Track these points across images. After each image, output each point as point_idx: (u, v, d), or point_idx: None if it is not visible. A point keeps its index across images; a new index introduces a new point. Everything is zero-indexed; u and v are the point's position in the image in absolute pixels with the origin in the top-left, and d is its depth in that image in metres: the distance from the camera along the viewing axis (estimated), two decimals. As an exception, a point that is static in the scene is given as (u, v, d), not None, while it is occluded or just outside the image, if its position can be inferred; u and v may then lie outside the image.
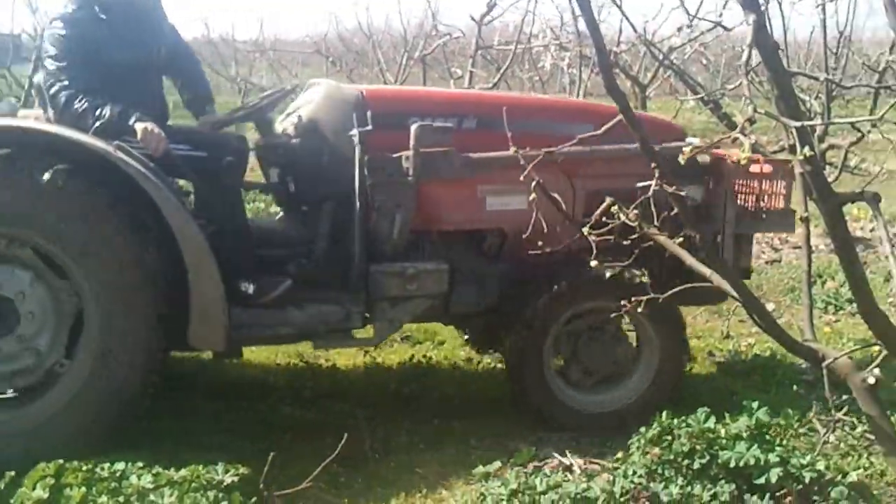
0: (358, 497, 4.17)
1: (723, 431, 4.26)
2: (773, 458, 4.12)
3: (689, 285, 3.47)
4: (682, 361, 5.02)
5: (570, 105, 6.27)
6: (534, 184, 3.20)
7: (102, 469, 3.86)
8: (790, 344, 3.32)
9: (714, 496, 4.02)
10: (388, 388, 5.46)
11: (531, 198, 3.86)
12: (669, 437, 4.27)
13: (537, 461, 4.40)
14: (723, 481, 4.07)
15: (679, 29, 5.26)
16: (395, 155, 4.54)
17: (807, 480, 4.11)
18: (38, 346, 4.25)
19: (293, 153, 4.73)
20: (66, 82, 4.45)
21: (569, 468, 4.39)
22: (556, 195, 4.05)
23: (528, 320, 4.72)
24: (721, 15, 5.18)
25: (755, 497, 4.02)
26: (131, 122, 4.38)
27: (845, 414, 3.40)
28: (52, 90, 4.47)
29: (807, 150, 2.37)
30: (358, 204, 4.54)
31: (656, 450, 4.21)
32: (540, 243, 4.07)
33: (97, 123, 4.32)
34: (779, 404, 4.70)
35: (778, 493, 4.10)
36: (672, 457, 4.18)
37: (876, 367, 3.14)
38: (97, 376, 4.20)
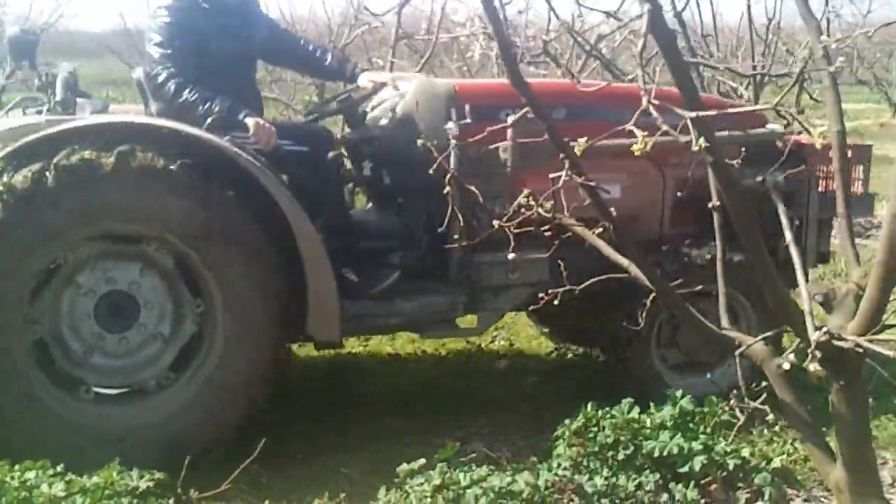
0: (280, 499, 4.08)
1: (648, 421, 4.28)
2: (696, 446, 4.13)
3: (606, 276, 3.43)
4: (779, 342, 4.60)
5: (662, 93, 6.23)
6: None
7: (13, 478, 3.73)
8: (708, 332, 3.30)
9: (639, 486, 4.02)
10: (314, 388, 5.39)
11: (623, 185, 4.26)
12: (595, 429, 4.27)
13: (463, 456, 4.35)
14: (647, 471, 4.07)
15: (608, 15, 5.19)
16: (492, 146, 4.55)
17: (731, 467, 4.14)
18: (163, 332, 4.36)
19: (388, 146, 4.80)
20: (172, 70, 4.48)
21: (496, 462, 4.35)
22: (646, 183, 4.48)
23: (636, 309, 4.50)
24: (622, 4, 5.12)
25: (680, 486, 4.03)
26: (241, 116, 4.42)
27: (762, 402, 3.40)
28: (160, 79, 4.48)
29: (702, 141, 2.34)
30: (458, 196, 4.39)
31: (581, 442, 4.22)
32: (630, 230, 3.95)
33: (209, 118, 4.35)
34: (706, 392, 4.74)
35: (703, 481, 4.13)
36: (597, 448, 4.17)
37: (791, 353, 3.12)
38: (225, 367, 4.31)
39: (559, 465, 4.04)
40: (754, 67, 8.68)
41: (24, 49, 4.91)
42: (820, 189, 5.27)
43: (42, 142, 4.05)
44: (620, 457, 4.12)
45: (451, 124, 4.56)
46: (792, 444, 4.55)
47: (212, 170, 4.20)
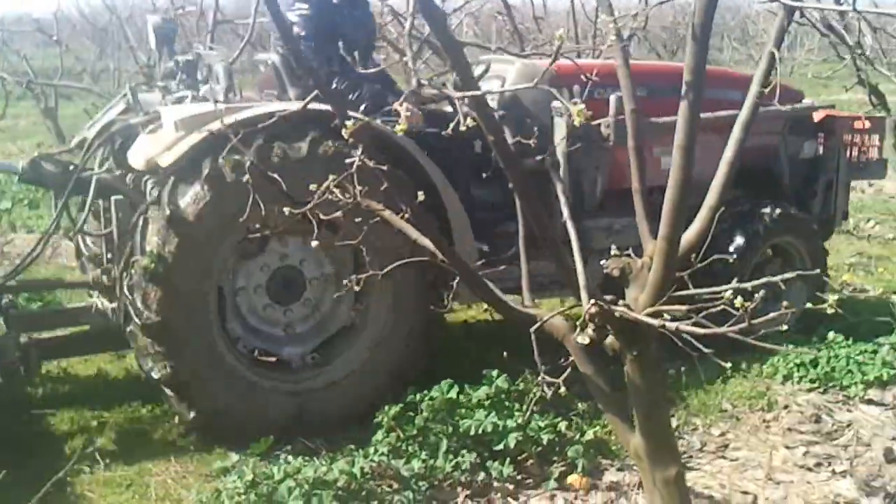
0: (90, 504, 3.92)
1: (465, 401, 4.32)
2: (511, 423, 4.20)
3: (412, 259, 3.41)
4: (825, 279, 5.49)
5: (718, 73, 6.66)
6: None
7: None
8: (507, 310, 3.33)
9: (456, 466, 4.06)
10: (124, 391, 5.16)
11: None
12: (413, 413, 4.28)
13: (278, 449, 4.27)
14: (465, 451, 4.12)
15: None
16: (594, 123, 4.96)
17: (545, 442, 4.23)
18: (323, 307, 4.86)
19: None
20: (314, 59, 4.76)
21: (314, 452, 4.29)
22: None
23: (738, 257, 5.29)
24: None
25: (496, 463, 4.09)
26: (389, 101, 4.67)
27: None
28: (304, 66, 4.49)
29: (469, 121, 2.35)
30: (568, 168, 5.04)
31: (400, 426, 4.21)
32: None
33: (363, 105, 4.64)
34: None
35: (519, 457, 4.20)
36: (415, 431, 4.18)
37: (590, 327, 3.17)
38: (387, 333, 4.78)
39: (376, 451, 4.02)
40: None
41: (166, 37, 5.30)
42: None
43: (236, 128, 4.06)
44: (439, 438, 4.15)
45: (556, 103, 4.88)
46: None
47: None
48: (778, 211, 5.71)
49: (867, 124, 6.20)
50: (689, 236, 3.22)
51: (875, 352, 5.33)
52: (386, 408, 4.26)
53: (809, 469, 4.24)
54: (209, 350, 4.50)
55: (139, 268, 4.37)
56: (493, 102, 5.12)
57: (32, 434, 4.67)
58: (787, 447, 4.45)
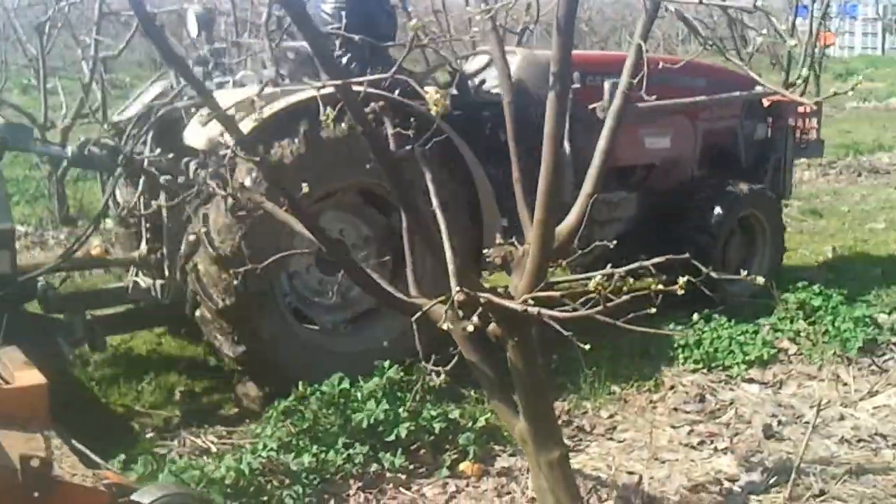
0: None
1: (357, 394, 4.32)
2: (403, 413, 4.22)
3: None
4: (782, 251, 6.72)
5: (688, 64, 7.16)
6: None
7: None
8: (392, 300, 3.35)
9: (348, 458, 4.06)
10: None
11: (671, 136, 6.01)
12: (304, 406, 4.26)
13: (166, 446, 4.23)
14: (357, 443, 4.12)
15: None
16: (590, 107, 5.46)
17: (437, 431, 4.26)
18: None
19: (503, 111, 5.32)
20: (346, 48, 5.04)
21: (205, 450, 4.25)
22: (686, 134, 6.15)
23: (712, 227, 6.10)
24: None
25: (388, 454, 4.10)
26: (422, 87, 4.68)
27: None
28: (336, 54, 4.97)
29: (328, 112, 2.35)
30: (570, 148, 5.43)
31: (291, 421, 4.20)
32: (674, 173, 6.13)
33: (397, 89, 4.53)
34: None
35: (412, 447, 4.22)
36: (306, 425, 4.17)
37: (476, 316, 3.21)
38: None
39: (265, 446, 3.99)
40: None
41: (205, 24, 5.56)
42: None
43: (298, 107, 4.62)
44: (330, 431, 4.15)
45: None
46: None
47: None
48: (747, 186, 6.34)
49: (809, 109, 6.93)
50: (568, 223, 3.29)
51: (756, 332, 5.54)
52: (276, 402, 4.24)
53: (693, 447, 4.36)
54: (282, 326, 4.84)
55: (207, 254, 4.62)
56: (496, 90, 5.48)
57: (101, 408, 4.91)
58: (673, 427, 4.59)
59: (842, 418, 4.58)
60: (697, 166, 6.54)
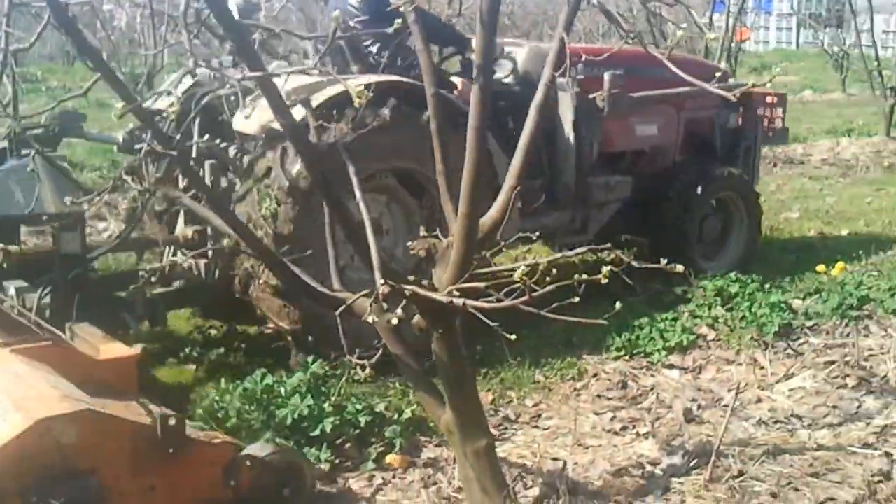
0: None
1: (281, 390, 4.29)
2: (328, 407, 4.20)
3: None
4: (757, 238, 7.26)
5: (672, 57, 7.84)
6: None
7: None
8: (314, 294, 3.34)
9: (272, 455, 4.02)
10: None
11: (658, 125, 6.64)
12: (226, 403, 4.22)
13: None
14: (282, 439, 4.08)
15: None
16: (591, 96, 5.94)
17: (363, 424, 4.25)
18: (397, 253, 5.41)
19: (514, 98, 5.72)
20: (376, 38, 5.45)
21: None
22: (671, 122, 6.76)
23: (688, 205, 6.64)
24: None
25: (313, 449, 4.08)
26: (451, 77, 5.71)
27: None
28: (373, 48, 5.56)
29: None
30: (573, 135, 6.07)
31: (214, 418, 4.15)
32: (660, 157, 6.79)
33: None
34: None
35: (337, 441, 4.20)
36: (230, 423, 4.12)
37: (399, 308, 3.21)
38: None
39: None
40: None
41: (248, 14, 5.55)
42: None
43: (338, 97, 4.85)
44: (252, 428, 4.11)
45: (560, 80, 5.54)
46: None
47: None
48: (725, 170, 6.90)
49: (775, 99, 7.58)
50: (491, 214, 3.31)
51: (676, 319, 5.65)
52: (198, 399, 4.19)
53: (616, 433, 4.43)
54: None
55: (267, 233, 4.89)
56: (507, 80, 6.19)
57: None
58: (596, 413, 4.65)
59: (759, 401, 4.70)
60: (679, 152, 7.10)
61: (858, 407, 4.51)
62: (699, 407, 4.67)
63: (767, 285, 6.18)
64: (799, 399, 4.66)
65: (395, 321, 3.18)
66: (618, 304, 3.15)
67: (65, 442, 2.91)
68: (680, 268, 3.02)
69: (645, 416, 4.60)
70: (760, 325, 5.51)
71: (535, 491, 3.76)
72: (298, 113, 4.77)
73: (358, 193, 3.09)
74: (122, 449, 3.08)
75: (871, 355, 5.08)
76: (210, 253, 5.17)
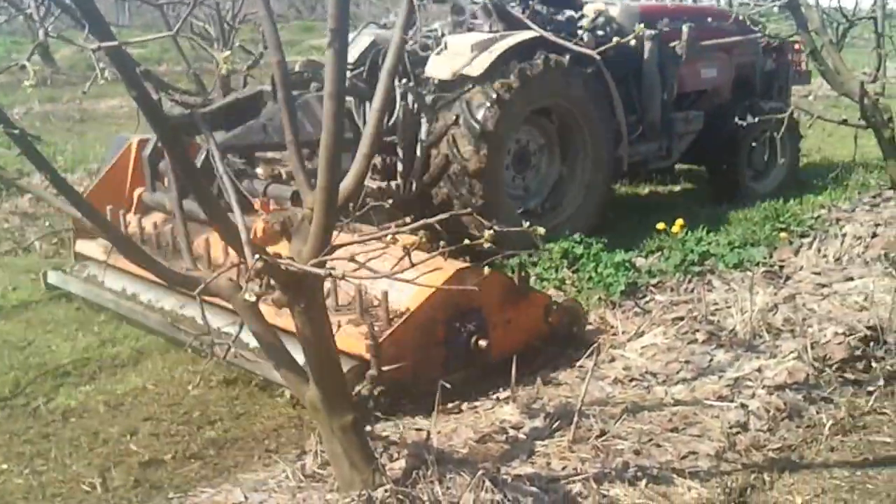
0: None
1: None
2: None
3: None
4: (798, 162, 9.11)
5: (715, 10, 9.66)
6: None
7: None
8: (167, 274, 3.17)
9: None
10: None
11: (717, 68, 8.44)
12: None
13: None
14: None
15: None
16: (671, 45, 7.72)
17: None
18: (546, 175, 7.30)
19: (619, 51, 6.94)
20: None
21: None
22: (726, 66, 8.54)
23: (738, 136, 7.91)
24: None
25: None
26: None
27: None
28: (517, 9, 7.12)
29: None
30: (659, 78, 7.77)
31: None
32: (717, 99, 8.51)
33: (561, 33, 6.30)
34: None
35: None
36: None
37: (256, 284, 3.08)
38: (589, 195, 7.25)
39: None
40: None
41: None
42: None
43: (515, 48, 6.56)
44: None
45: (649, 32, 7.50)
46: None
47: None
48: (772, 104, 8.31)
49: (800, 46, 8.51)
50: (347, 184, 3.19)
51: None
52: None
53: (475, 400, 4.44)
54: (512, 215, 6.41)
55: (458, 165, 6.35)
56: (605, 29, 7.41)
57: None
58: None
59: (612, 360, 4.80)
60: (731, 91, 8.64)
61: (710, 361, 4.67)
62: (555, 368, 4.74)
63: (612, 246, 6.32)
64: (652, 356, 4.78)
65: (252, 298, 3.07)
66: (486, 270, 3.15)
67: (468, 285, 4.12)
68: (541, 230, 3.03)
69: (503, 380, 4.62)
70: (607, 286, 5.64)
71: (402, 463, 3.72)
72: (485, 60, 6.36)
73: (221, 167, 2.93)
74: (497, 293, 4.57)
75: (716, 309, 5.27)
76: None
